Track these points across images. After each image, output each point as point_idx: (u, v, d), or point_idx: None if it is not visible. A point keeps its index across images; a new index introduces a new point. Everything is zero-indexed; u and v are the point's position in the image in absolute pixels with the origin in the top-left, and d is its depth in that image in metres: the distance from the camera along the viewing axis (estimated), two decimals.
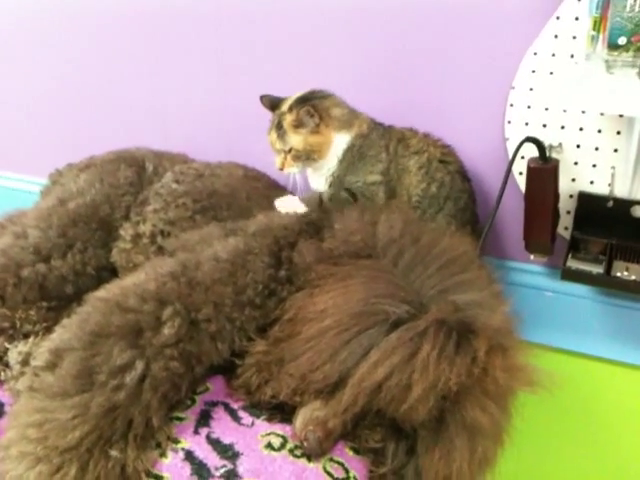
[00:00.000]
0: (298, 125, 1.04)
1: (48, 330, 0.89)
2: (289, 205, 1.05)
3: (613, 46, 0.86)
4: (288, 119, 1.05)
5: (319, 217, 1.00)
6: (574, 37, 0.98)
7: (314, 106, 1.04)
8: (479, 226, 1.06)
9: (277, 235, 0.92)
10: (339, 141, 1.05)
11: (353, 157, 1.05)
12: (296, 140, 1.05)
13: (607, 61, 0.87)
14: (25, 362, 0.86)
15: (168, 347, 0.79)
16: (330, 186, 1.07)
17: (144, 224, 1.08)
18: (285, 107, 1.07)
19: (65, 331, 0.80)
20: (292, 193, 1.12)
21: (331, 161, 1.06)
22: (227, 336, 0.85)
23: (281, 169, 1.07)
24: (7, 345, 0.91)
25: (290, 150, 1.06)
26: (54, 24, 1.49)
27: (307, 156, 1.05)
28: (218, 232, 0.96)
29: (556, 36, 0.99)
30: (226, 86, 1.33)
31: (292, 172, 1.07)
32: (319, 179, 1.09)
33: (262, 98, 1.12)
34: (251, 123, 1.31)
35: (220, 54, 1.31)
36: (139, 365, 0.76)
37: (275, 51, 1.25)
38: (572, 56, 0.99)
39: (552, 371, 0.75)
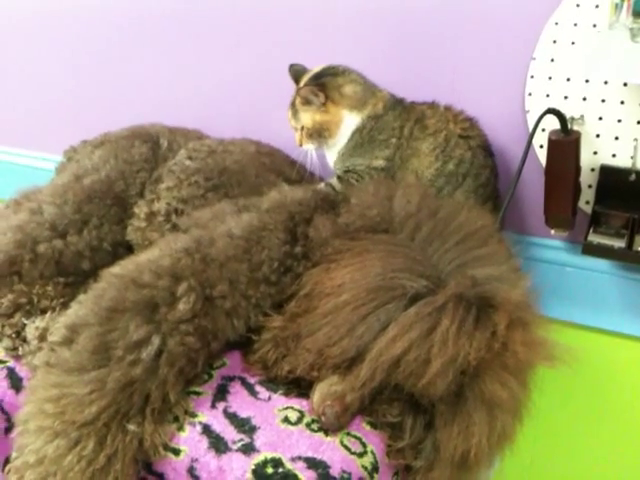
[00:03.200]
0: (305, 103, 1.04)
1: (65, 306, 0.90)
2: None
3: (638, 13, 0.84)
4: (298, 97, 1.05)
5: (334, 192, 0.99)
6: (597, 6, 0.96)
7: (322, 84, 1.03)
8: (500, 201, 1.05)
9: (292, 211, 0.92)
10: (350, 121, 1.04)
11: (362, 139, 1.03)
12: (306, 118, 1.05)
13: (632, 29, 0.85)
14: (42, 337, 0.86)
15: (183, 323, 0.79)
16: (335, 164, 1.07)
17: (158, 202, 1.08)
18: (302, 83, 1.06)
19: (81, 307, 0.80)
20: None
21: (342, 140, 1.05)
22: (242, 313, 0.84)
23: (300, 145, 1.08)
24: (25, 321, 0.91)
25: (302, 128, 1.06)
26: (68, 2, 1.48)
27: (318, 134, 1.05)
28: (231, 209, 0.96)
29: (578, 5, 0.97)
30: (240, 61, 1.31)
31: (309, 149, 1.08)
32: (332, 156, 1.09)
33: (290, 67, 1.11)
34: (266, 98, 1.30)
35: (234, 30, 1.30)
36: (155, 340, 0.76)
37: (289, 25, 1.23)
38: (595, 25, 0.97)
39: (572, 346, 0.74)
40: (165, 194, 1.08)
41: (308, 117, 1.05)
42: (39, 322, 0.89)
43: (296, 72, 1.10)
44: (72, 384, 0.73)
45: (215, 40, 1.32)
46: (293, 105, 1.07)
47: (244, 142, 1.19)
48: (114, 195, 1.08)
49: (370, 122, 1.03)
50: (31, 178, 1.29)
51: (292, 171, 1.13)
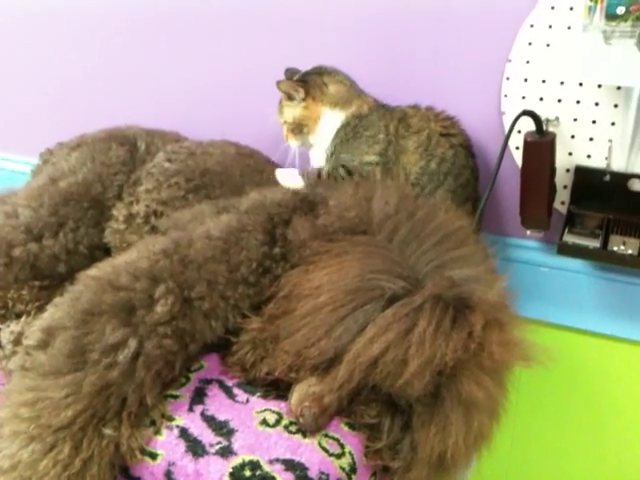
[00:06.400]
0: (288, 98, 1.06)
1: (40, 309, 0.89)
2: (288, 177, 1.06)
3: (611, 16, 0.85)
4: (280, 91, 1.07)
5: (313, 193, 0.99)
6: (571, 8, 0.97)
7: (305, 81, 1.05)
8: (479, 203, 1.05)
9: (271, 212, 0.91)
10: (330, 118, 1.05)
11: (347, 134, 1.04)
12: (288, 113, 1.07)
13: (605, 32, 0.86)
14: (17, 341, 0.86)
15: (161, 325, 0.78)
16: (328, 164, 1.07)
17: (137, 204, 1.07)
18: None
19: (57, 310, 0.79)
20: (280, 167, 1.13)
21: (325, 138, 1.06)
22: (221, 314, 0.84)
23: (286, 141, 1.10)
24: None
25: (285, 122, 1.08)
26: (45, 3, 1.46)
27: (299, 129, 1.07)
28: (210, 210, 0.95)
29: (553, 7, 0.98)
30: (219, 63, 1.31)
31: (292, 145, 1.09)
32: (319, 156, 1.09)
33: (286, 71, 1.13)
34: (245, 101, 1.30)
35: (214, 30, 1.29)
36: (132, 343, 0.75)
37: (271, 27, 1.23)
38: (569, 28, 0.98)
39: (548, 346, 0.74)
40: (144, 196, 1.07)
41: (290, 112, 1.07)
42: (14, 326, 0.88)
43: (291, 75, 1.12)
44: (48, 388, 0.72)
45: (193, 42, 1.32)
46: (280, 101, 1.09)
47: (223, 144, 1.19)
48: (91, 198, 1.07)
49: (354, 120, 1.05)
50: (7, 181, 1.28)
51: (274, 172, 1.13)
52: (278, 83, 1.05)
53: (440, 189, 1.01)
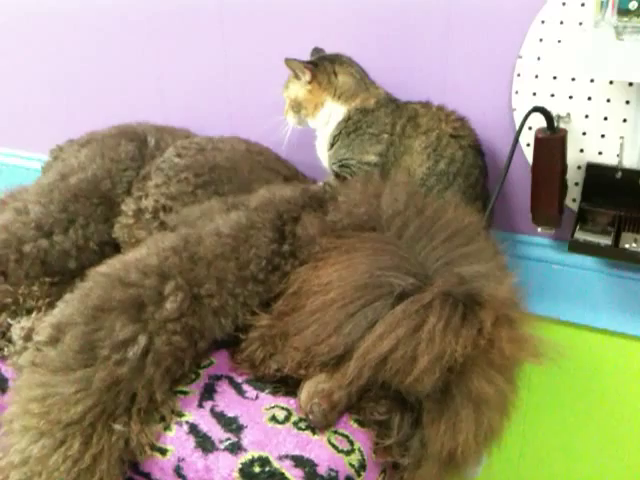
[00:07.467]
0: (296, 76, 1.07)
1: (51, 305, 0.89)
2: None
3: (623, 11, 0.84)
4: (287, 66, 1.08)
5: (322, 190, 0.99)
6: (582, 4, 0.96)
7: (316, 65, 1.06)
8: (489, 201, 1.05)
9: (280, 209, 0.91)
10: (332, 109, 1.06)
11: (347, 128, 1.04)
12: (292, 90, 1.08)
13: (617, 27, 0.86)
14: (28, 337, 0.86)
15: (171, 322, 0.78)
16: (330, 159, 1.08)
17: (146, 199, 1.08)
18: None
19: (67, 306, 0.80)
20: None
21: (328, 128, 1.07)
22: (230, 311, 0.84)
23: (285, 116, 1.11)
24: (10, 321, 0.91)
25: (288, 97, 1.10)
26: (54, 2, 1.47)
27: (297, 109, 1.08)
28: (219, 207, 0.96)
29: (564, 3, 0.97)
30: (228, 60, 1.31)
31: (289, 121, 1.10)
32: (322, 146, 1.09)
33: (313, 51, 1.14)
34: (255, 97, 1.30)
35: (222, 27, 1.29)
36: (142, 339, 0.76)
37: (280, 22, 1.23)
38: (580, 23, 0.97)
39: (558, 343, 0.74)
40: (153, 191, 1.08)
41: (294, 90, 1.08)
42: (25, 322, 0.89)
43: (315, 54, 1.12)
44: (58, 383, 0.73)
45: (203, 38, 1.32)
46: (289, 76, 1.10)
47: (234, 140, 1.19)
48: (100, 194, 1.07)
49: (357, 114, 1.04)
50: (17, 177, 1.29)
51: (284, 169, 1.13)
52: (286, 60, 1.05)
53: (449, 189, 1.00)
